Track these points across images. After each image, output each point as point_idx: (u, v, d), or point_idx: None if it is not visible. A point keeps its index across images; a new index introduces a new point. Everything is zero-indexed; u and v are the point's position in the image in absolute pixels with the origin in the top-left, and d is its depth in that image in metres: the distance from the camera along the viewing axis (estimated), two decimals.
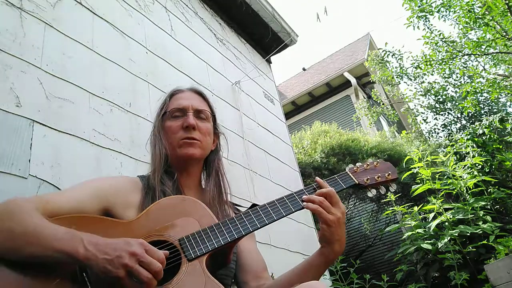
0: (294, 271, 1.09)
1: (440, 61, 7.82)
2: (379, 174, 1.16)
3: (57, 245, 0.81)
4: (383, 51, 8.63)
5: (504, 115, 5.11)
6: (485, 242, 3.08)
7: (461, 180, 3.66)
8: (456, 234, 3.16)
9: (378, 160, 1.22)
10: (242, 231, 0.97)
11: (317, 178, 1.07)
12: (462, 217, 3.37)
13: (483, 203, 3.49)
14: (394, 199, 3.92)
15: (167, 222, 0.97)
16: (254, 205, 1.24)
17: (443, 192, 3.69)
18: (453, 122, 8.22)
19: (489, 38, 7.16)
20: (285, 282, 1.06)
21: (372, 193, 1.16)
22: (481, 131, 4.70)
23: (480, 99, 7.84)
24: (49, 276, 0.82)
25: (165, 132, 1.19)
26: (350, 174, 1.15)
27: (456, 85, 8.56)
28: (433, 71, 8.08)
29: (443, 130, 8.36)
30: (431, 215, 3.53)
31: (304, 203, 1.01)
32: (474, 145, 4.47)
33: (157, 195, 1.07)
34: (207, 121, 1.23)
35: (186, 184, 1.19)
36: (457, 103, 7.89)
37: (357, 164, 1.19)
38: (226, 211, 1.18)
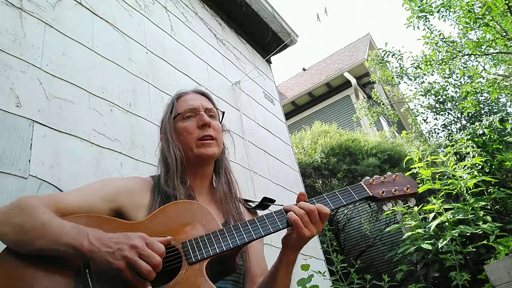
0: (267, 278, 1.10)
1: (440, 61, 7.82)
2: (397, 188, 1.11)
3: (64, 239, 0.85)
4: (383, 51, 8.63)
5: (504, 115, 5.11)
6: (485, 242, 3.08)
7: (461, 180, 3.66)
8: (456, 234, 3.16)
9: (397, 173, 1.17)
10: (246, 238, 0.96)
11: (302, 203, 1.01)
12: (462, 217, 3.37)
13: (483, 203, 3.49)
14: None
15: (172, 226, 0.98)
16: (265, 198, 1.27)
17: (443, 192, 3.68)
18: (453, 122, 8.23)
19: (489, 38, 7.17)
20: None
21: (387, 206, 1.11)
22: (481, 131, 4.69)
23: (480, 99, 7.85)
24: (55, 269, 0.87)
25: (180, 133, 1.19)
26: (364, 186, 1.11)
27: (456, 85, 8.56)
28: (433, 71, 8.08)
29: (443, 130, 8.36)
30: (431, 215, 3.53)
31: (288, 213, 0.99)
32: (474, 145, 4.47)
33: (169, 199, 1.08)
34: (216, 119, 1.25)
35: (198, 185, 1.19)
36: (457, 103, 7.89)
37: (374, 176, 1.15)
38: (238, 208, 1.19)
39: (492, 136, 4.60)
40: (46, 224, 0.88)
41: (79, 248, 0.84)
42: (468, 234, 3.23)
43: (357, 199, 1.07)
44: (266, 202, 1.28)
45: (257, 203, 1.30)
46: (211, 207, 1.11)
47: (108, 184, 1.11)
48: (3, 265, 0.87)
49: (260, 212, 1.29)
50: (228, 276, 1.05)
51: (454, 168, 3.81)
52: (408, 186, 1.12)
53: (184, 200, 1.07)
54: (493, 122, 4.82)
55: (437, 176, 3.76)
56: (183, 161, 1.16)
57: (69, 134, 1.82)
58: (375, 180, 1.13)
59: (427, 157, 3.76)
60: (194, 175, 1.19)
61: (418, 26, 7.61)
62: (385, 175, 1.15)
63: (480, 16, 6.89)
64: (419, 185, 3.76)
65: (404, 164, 4.29)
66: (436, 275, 3.75)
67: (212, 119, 1.21)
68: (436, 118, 8.57)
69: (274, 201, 1.28)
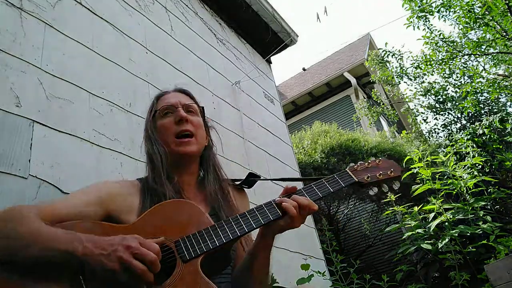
0: (246, 261, 1.10)
1: (440, 61, 7.82)
2: (381, 172, 1.14)
3: (57, 244, 0.84)
4: (383, 51, 8.63)
5: (504, 115, 5.12)
6: (485, 242, 3.08)
7: (461, 180, 3.66)
8: (456, 234, 3.16)
9: (380, 158, 1.20)
10: (238, 232, 0.97)
11: (293, 196, 1.03)
12: (462, 217, 3.37)
13: (483, 203, 3.49)
14: (394, 199, 3.92)
15: (164, 226, 0.98)
16: (250, 174, 1.29)
17: (443, 192, 3.68)
18: (453, 122, 8.22)
19: (489, 38, 7.17)
20: (242, 274, 1.09)
21: (373, 191, 1.14)
22: (481, 131, 4.70)
23: (480, 99, 7.84)
24: (48, 277, 0.85)
25: (159, 131, 1.21)
26: (350, 172, 1.13)
27: (456, 85, 8.56)
28: (433, 71, 8.08)
29: (443, 130, 8.36)
30: (431, 215, 3.53)
31: (283, 203, 1.01)
32: (474, 145, 4.47)
33: (159, 197, 1.08)
34: (196, 115, 1.25)
35: (186, 181, 1.20)
36: (457, 103, 7.89)
37: (359, 163, 1.18)
38: (231, 201, 1.19)
39: (492, 136, 4.60)
40: (37, 232, 0.87)
41: (73, 253, 0.83)
42: (468, 234, 3.23)
43: (343, 185, 1.09)
44: (252, 178, 1.30)
45: (243, 180, 1.31)
46: (200, 204, 1.11)
47: (96, 189, 1.10)
48: None
49: (247, 191, 1.33)
50: (224, 269, 1.06)
51: (454, 168, 3.80)
52: (392, 169, 1.15)
53: (174, 200, 1.07)
54: (493, 122, 4.83)
55: (437, 176, 3.76)
56: (168, 156, 1.16)
57: (69, 134, 1.82)
58: (360, 166, 1.16)
59: (427, 157, 3.75)
60: (179, 172, 1.19)
61: (418, 26, 7.62)
62: (369, 161, 1.18)
63: (480, 16, 6.89)
64: (419, 185, 3.76)
65: (404, 164, 4.29)
66: (436, 275, 3.75)
67: (191, 115, 1.22)
68: (436, 118, 8.56)
69: (259, 176, 1.30)
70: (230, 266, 1.12)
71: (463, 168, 3.94)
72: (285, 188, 1.07)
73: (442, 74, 8.43)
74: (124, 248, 0.82)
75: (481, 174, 4.01)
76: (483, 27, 7.05)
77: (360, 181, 1.11)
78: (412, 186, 3.86)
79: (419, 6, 7.42)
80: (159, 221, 0.99)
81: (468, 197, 3.58)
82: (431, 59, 7.86)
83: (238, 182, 1.32)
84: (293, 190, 1.05)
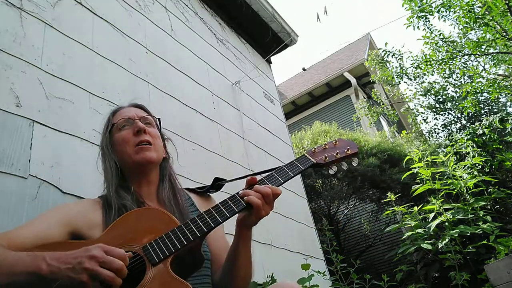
0: (229, 256, 1.12)
1: (440, 61, 7.82)
2: (338, 151, 1.19)
3: (21, 268, 0.84)
4: (383, 51, 8.63)
5: (504, 115, 5.12)
6: (485, 242, 3.09)
7: (461, 180, 3.66)
8: (456, 234, 3.16)
9: (336, 139, 1.25)
10: (205, 228, 0.98)
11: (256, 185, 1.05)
12: (462, 217, 3.38)
13: (483, 203, 3.50)
14: (394, 199, 3.92)
15: (130, 235, 0.98)
16: (216, 179, 1.32)
17: (443, 192, 3.69)
18: (453, 122, 8.23)
19: (489, 38, 7.17)
20: (227, 272, 1.12)
21: (333, 170, 1.19)
22: (481, 131, 4.70)
23: (480, 99, 7.85)
24: None
25: (117, 144, 1.22)
26: (308, 156, 1.18)
27: (456, 85, 8.56)
28: (433, 71, 8.08)
29: (443, 130, 8.36)
30: (431, 215, 3.54)
31: (246, 197, 1.02)
32: (474, 145, 4.48)
33: (117, 210, 1.09)
34: (153, 127, 1.28)
35: (146, 192, 1.21)
36: (457, 103, 7.89)
37: (316, 146, 1.23)
38: (185, 207, 1.21)
39: (492, 136, 4.61)
40: (0, 259, 0.86)
41: (38, 272, 0.82)
42: (468, 234, 3.23)
43: (302, 168, 1.13)
44: (218, 183, 1.33)
45: (208, 186, 1.35)
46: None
47: (59, 210, 1.12)
48: None
49: (214, 194, 1.36)
50: (200, 267, 1.07)
51: (454, 168, 3.81)
52: (348, 147, 1.20)
53: (136, 209, 1.08)
54: (493, 122, 4.83)
55: (437, 176, 3.76)
56: (118, 171, 1.18)
57: (69, 134, 1.82)
58: (317, 148, 1.22)
59: (427, 157, 3.76)
60: (139, 182, 1.20)
61: (418, 26, 7.61)
62: (325, 143, 1.23)
63: (480, 16, 6.89)
64: (419, 185, 3.76)
65: (404, 164, 4.30)
66: (436, 275, 3.75)
67: (148, 126, 1.25)
68: (436, 118, 8.57)
69: (226, 180, 1.33)
70: (207, 267, 1.13)
71: (463, 168, 3.94)
72: (247, 181, 1.09)
73: (442, 74, 8.44)
74: (88, 258, 0.82)
75: (481, 174, 4.01)
76: (483, 27, 7.05)
77: (319, 162, 1.16)
78: (412, 186, 3.87)
79: (419, 6, 7.42)
80: (125, 231, 0.99)
81: (468, 197, 3.58)
82: (431, 59, 7.86)
83: (204, 189, 1.34)
84: (254, 181, 1.07)
